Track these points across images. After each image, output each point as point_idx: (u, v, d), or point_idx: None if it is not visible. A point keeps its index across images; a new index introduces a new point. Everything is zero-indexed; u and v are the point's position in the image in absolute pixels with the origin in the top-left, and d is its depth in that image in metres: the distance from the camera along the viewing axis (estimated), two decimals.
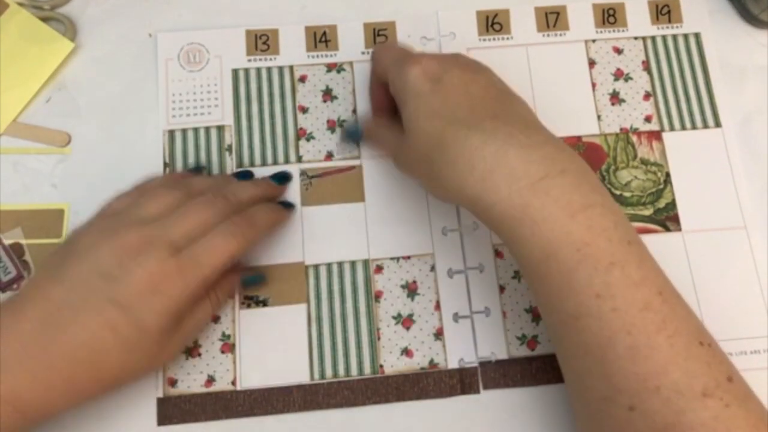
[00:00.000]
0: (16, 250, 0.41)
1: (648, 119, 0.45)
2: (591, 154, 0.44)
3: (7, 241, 0.41)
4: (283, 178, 0.42)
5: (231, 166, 0.43)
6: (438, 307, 0.41)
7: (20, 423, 0.31)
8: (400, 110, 0.37)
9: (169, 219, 0.35)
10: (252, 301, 0.40)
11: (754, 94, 0.46)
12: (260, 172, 0.43)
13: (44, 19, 0.46)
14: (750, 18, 0.47)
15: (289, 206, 0.42)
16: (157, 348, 0.34)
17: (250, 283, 0.40)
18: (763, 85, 0.46)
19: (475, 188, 0.32)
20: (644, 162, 0.44)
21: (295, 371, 0.39)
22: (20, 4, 0.46)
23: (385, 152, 0.42)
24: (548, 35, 0.47)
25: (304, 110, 0.44)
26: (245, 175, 0.42)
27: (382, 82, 0.40)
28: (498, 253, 0.42)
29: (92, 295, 0.32)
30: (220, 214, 0.36)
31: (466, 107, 0.34)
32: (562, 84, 0.46)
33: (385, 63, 0.39)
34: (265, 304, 0.40)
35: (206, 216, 0.35)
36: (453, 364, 0.40)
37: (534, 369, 0.40)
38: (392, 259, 0.42)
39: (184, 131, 0.44)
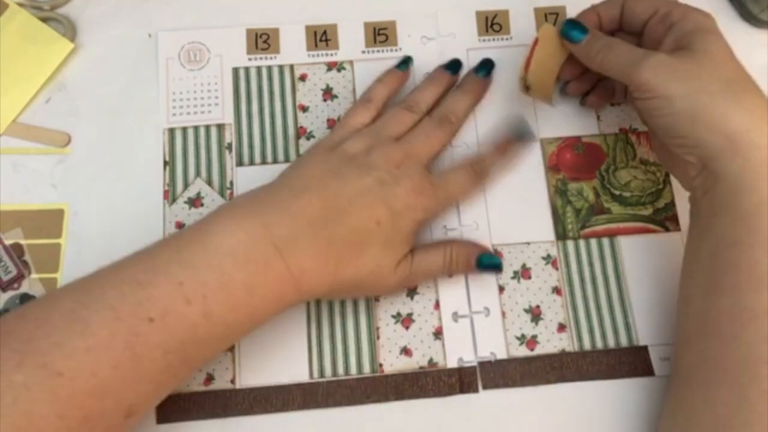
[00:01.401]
0: (16, 250, 0.43)
1: None
2: (590, 155, 0.46)
3: (7, 241, 0.43)
4: (488, 68, 0.47)
5: (231, 164, 0.45)
6: (437, 306, 0.42)
7: (292, 298, 0.36)
8: (677, 38, 0.38)
9: (415, 138, 0.42)
10: None
11: None
12: (260, 170, 0.45)
13: (44, 19, 0.48)
14: (750, 18, 0.49)
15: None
16: (399, 257, 0.39)
17: (486, 264, 0.41)
18: (763, 85, 0.47)
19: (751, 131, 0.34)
20: (643, 162, 0.46)
21: (294, 370, 0.41)
22: (20, 4, 0.48)
23: (611, 67, 0.39)
24: None
25: (305, 109, 0.46)
26: (454, 65, 0.46)
27: (609, 25, 0.42)
28: (497, 253, 0.43)
29: (367, 192, 0.38)
30: (448, 135, 0.44)
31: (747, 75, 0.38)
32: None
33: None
34: None
35: (441, 137, 0.43)
36: (452, 363, 0.41)
37: (533, 369, 0.41)
38: None
39: (184, 129, 0.45)
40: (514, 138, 0.45)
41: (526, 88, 0.44)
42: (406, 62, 0.46)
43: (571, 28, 0.41)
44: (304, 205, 0.36)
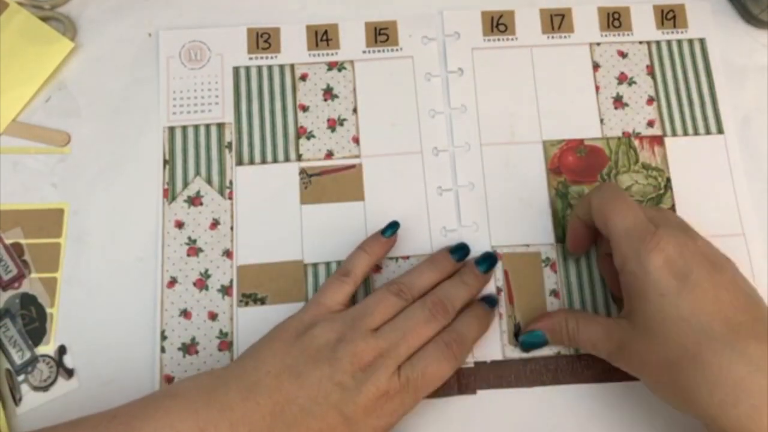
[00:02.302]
0: (16, 250, 0.44)
1: (650, 124, 0.48)
2: (592, 158, 0.47)
3: (7, 241, 0.44)
4: (490, 264, 0.43)
5: (230, 163, 0.46)
6: None
7: None
8: (632, 296, 0.36)
9: (396, 332, 0.38)
10: (250, 299, 0.43)
11: (754, 95, 0.49)
12: (261, 169, 0.46)
13: (44, 19, 0.49)
14: (750, 18, 0.50)
15: (492, 304, 0.43)
16: None
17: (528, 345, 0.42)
18: (763, 85, 0.49)
19: (737, 422, 0.32)
20: (645, 167, 0.47)
21: None
22: (20, 4, 0.49)
23: (590, 349, 0.40)
24: (553, 37, 0.50)
25: (305, 109, 0.47)
26: (461, 251, 0.43)
27: (589, 224, 0.40)
28: (496, 255, 0.44)
29: (323, 400, 0.35)
30: (438, 328, 0.39)
31: (720, 319, 0.34)
32: (566, 86, 0.48)
33: (611, 228, 0.37)
34: (263, 302, 0.43)
35: (428, 332, 0.38)
36: None
37: (528, 371, 0.42)
38: (391, 258, 0.44)
39: (184, 128, 0.47)
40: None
41: (516, 327, 0.43)
42: (392, 227, 0.43)
43: (527, 342, 0.42)
44: (249, 410, 0.34)
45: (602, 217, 0.38)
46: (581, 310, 0.43)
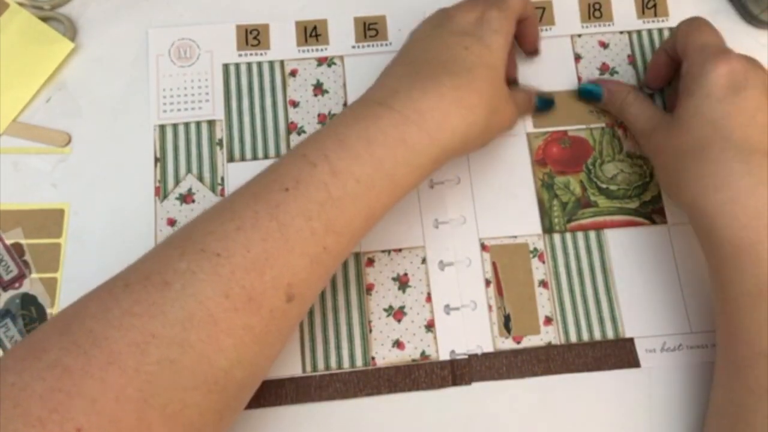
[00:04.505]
0: (16, 250, 0.34)
1: None
2: (577, 148, 0.37)
3: (8, 241, 0.34)
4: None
5: (222, 160, 0.36)
6: (429, 299, 0.34)
7: (419, 138, 0.28)
8: (681, 94, 0.31)
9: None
10: None
11: None
12: (252, 166, 0.36)
13: (44, 19, 0.38)
14: (750, 18, 0.39)
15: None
16: (501, 75, 0.31)
17: (543, 106, 0.37)
18: None
19: (714, 207, 0.28)
20: (630, 155, 0.37)
21: (287, 364, 0.33)
22: (20, 4, 0.39)
23: (630, 122, 0.35)
24: None
25: (295, 104, 0.37)
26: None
27: (672, 55, 0.34)
28: (484, 247, 0.35)
29: (455, 33, 0.31)
30: None
31: (744, 133, 0.29)
32: (549, 78, 0.38)
33: (690, 41, 0.32)
34: None
35: None
36: (444, 356, 0.33)
37: (519, 362, 0.33)
38: (383, 251, 0.35)
39: (174, 126, 0.37)
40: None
41: (506, 319, 0.34)
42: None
43: (586, 89, 0.37)
44: (398, 63, 0.31)
45: (684, 36, 0.32)
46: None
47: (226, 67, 0.37)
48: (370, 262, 0.35)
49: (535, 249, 0.35)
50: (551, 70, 0.38)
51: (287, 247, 0.26)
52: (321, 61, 0.38)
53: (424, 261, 0.35)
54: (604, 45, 0.39)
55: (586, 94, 0.37)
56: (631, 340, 0.33)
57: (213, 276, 0.24)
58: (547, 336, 0.33)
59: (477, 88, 0.29)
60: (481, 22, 0.32)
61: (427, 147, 0.28)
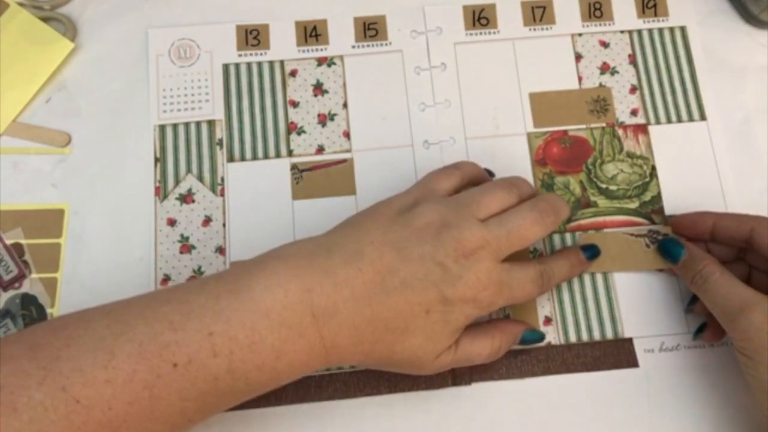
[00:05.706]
0: (16, 250, 0.34)
1: (634, 113, 0.37)
2: (577, 148, 0.37)
3: (7, 241, 0.34)
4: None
5: (222, 160, 0.36)
6: None
7: (317, 366, 0.27)
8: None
9: (502, 228, 0.29)
10: None
11: (754, 94, 0.38)
12: (252, 166, 0.36)
13: (44, 19, 0.38)
14: (750, 18, 0.39)
15: (592, 255, 0.33)
16: (442, 349, 0.29)
17: (530, 341, 0.32)
18: (763, 85, 0.38)
19: None
20: (630, 155, 0.37)
21: None
22: (20, 4, 0.39)
23: (709, 300, 0.30)
24: (535, 29, 0.39)
25: (295, 104, 0.37)
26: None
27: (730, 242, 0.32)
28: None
29: (423, 276, 0.27)
30: (542, 234, 0.29)
31: None
32: (549, 78, 0.38)
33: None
34: None
35: (537, 231, 0.29)
36: None
37: (519, 362, 0.33)
38: None
39: (174, 126, 0.36)
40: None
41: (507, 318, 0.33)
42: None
43: (669, 244, 0.32)
44: (351, 275, 0.27)
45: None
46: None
47: (226, 67, 0.37)
48: None
49: (535, 249, 0.35)
50: (551, 70, 0.38)
51: (151, 416, 0.25)
52: (321, 61, 0.38)
53: None
54: (604, 44, 0.39)
55: (667, 251, 0.32)
56: (629, 340, 0.33)
57: (64, 421, 0.23)
58: (546, 336, 0.33)
59: (407, 344, 0.28)
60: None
61: (319, 368, 0.27)
